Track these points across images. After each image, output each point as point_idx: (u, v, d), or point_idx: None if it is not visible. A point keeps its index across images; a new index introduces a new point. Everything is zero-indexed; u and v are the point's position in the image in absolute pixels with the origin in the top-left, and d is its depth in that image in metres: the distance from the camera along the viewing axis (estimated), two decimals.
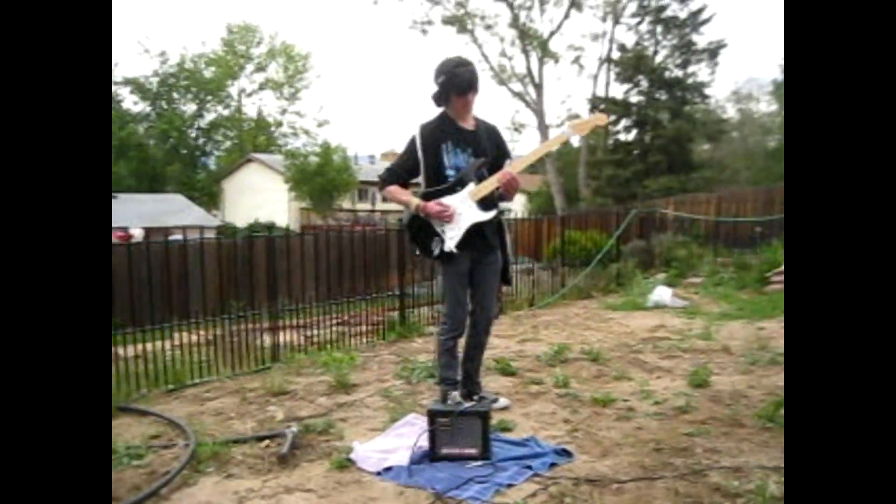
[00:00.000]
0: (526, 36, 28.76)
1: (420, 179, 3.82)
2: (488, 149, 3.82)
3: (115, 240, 7.20)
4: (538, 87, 29.14)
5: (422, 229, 3.77)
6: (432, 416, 3.21)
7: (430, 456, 3.19)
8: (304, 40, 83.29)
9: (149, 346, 5.04)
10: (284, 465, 3.26)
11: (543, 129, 28.68)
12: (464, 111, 3.78)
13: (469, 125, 3.83)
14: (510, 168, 3.75)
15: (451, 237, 3.72)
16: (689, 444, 3.32)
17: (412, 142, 3.80)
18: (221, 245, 7.16)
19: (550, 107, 50.27)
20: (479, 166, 3.76)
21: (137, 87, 40.29)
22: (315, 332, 6.27)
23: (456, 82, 3.68)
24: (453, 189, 3.73)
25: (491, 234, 3.85)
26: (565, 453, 3.23)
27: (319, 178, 32.17)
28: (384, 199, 3.84)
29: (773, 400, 3.81)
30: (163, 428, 3.91)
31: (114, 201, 30.77)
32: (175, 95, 41.62)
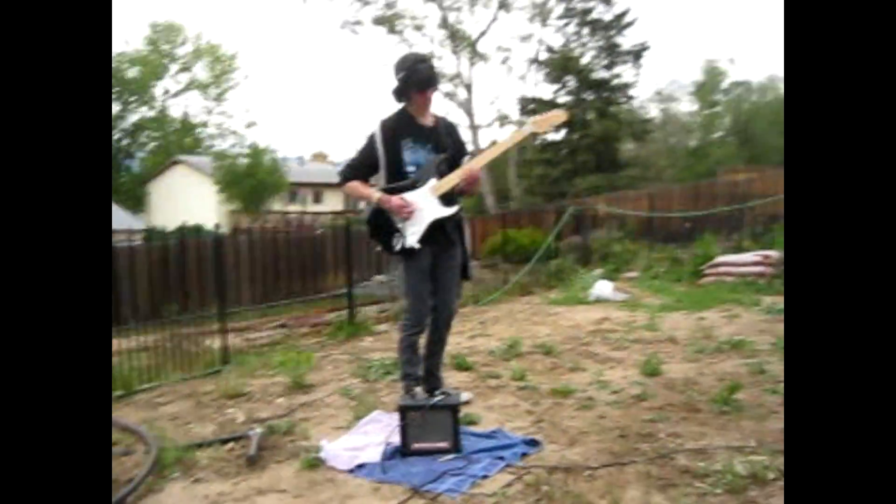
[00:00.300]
0: (455, 37, 28.94)
1: (380, 176, 3.81)
2: (448, 145, 3.84)
3: None
4: (468, 88, 29.36)
5: (383, 225, 3.76)
6: (403, 410, 3.21)
7: (402, 451, 3.19)
8: (231, 40, 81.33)
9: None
10: (253, 466, 3.19)
11: (474, 129, 28.93)
12: (423, 107, 3.80)
13: (428, 121, 3.84)
14: (471, 164, 3.79)
15: (413, 232, 3.73)
16: (652, 429, 3.43)
17: (371, 138, 3.78)
18: (152, 249, 6.97)
19: (480, 107, 50.71)
20: (440, 162, 3.77)
21: None
22: (258, 334, 6.18)
23: (416, 78, 3.70)
24: (414, 185, 3.74)
25: (451, 230, 3.87)
26: (534, 443, 3.28)
27: (249, 180, 31.50)
28: (338, 198, 3.78)
29: (725, 385, 3.97)
30: (118, 435, 3.77)
31: None
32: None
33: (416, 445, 3.20)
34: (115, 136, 41.29)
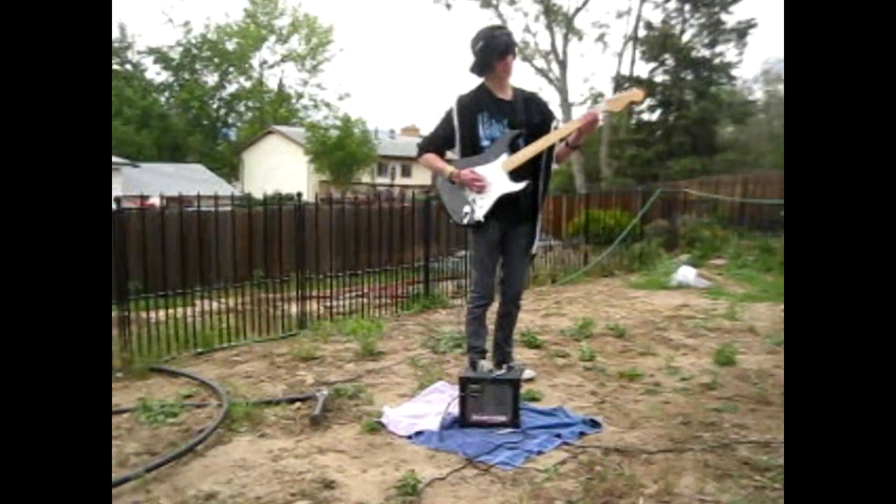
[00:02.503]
0: (551, 11, 28.44)
1: (455, 149, 3.83)
2: (529, 118, 3.81)
3: (133, 206, 7.27)
4: (562, 65, 28.87)
5: (454, 198, 3.78)
6: (464, 382, 3.25)
7: (461, 422, 3.23)
8: (327, 13, 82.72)
9: (171, 311, 5.11)
10: (316, 426, 3.31)
11: (567, 106, 28.47)
12: (504, 75, 3.77)
13: (506, 95, 3.82)
14: (554, 133, 3.72)
15: (481, 206, 3.73)
16: (716, 419, 3.34)
17: (449, 112, 3.81)
18: (245, 215, 7.20)
19: (574, 84, 49.70)
20: (514, 137, 3.75)
21: (161, 56, 40.41)
22: (337, 302, 6.33)
23: (495, 45, 3.68)
24: (486, 159, 3.74)
25: (525, 206, 3.85)
26: (594, 423, 3.26)
27: (339, 152, 32.18)
28: (404, 174, 3.82)
29: None
30: (195, 388, 3.98)
31: (135, 170, 30.95)
32: (198, 66, 41.70)
33: (475, 417, 3.23)
34: (214, 105, 42.89)
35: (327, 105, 45.42)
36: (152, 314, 5.04)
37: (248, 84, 44.09)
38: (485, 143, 3.77)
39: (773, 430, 3.18)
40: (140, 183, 29.48)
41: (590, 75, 52.78)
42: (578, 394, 3.80)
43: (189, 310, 5.19)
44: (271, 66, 46.41)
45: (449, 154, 3.90)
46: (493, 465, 2.83)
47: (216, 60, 41.53)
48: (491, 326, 4.03)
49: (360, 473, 2.81)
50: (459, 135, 3.77)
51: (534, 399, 3.67)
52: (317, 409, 3.41)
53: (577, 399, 3.70)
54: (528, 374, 4.03)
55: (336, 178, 33.08)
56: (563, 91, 28.78)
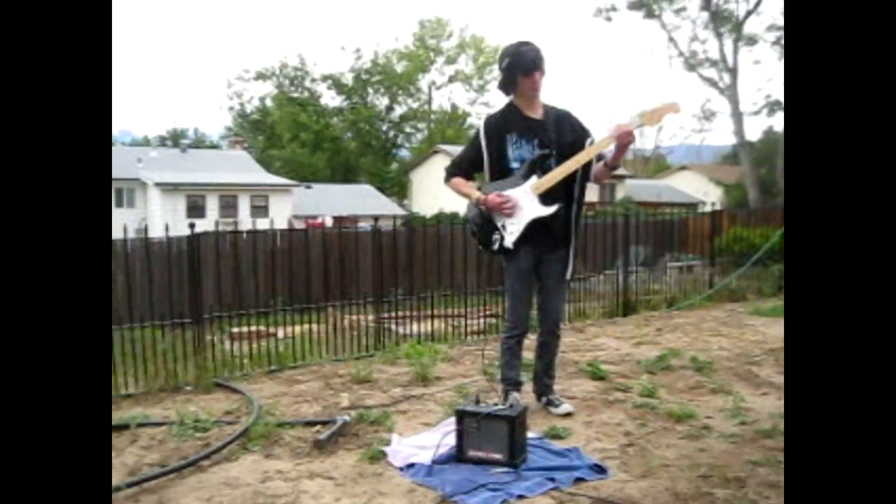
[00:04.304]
0: (719, 17, 26.87)
1: (485, 172, 3.71)
2: (560, 137, 3.62)
3: (309, 229, 8.01)
4: (732, 73, 27.12)
5: (483, 223, 3.66)
6: (460, 415, 3.11)
7: (457, 456, 3.10)
8: (494, 32, 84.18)
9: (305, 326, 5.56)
10: (321, 450, 3.33)
11: (738, 116, 26.73)
12: (532, 93, 3.61)
13: (536, 114, 3.65)
14: (593, 147, 3.51)
15: (511, 232, 3.58)
16: (748, 474, 2.93)
17: (476, 133, 3.71)
18: (382, 234, 7.50)
19: (746, 93, 46.43)
20: (543, 158, 3.57)
21: (335, 82, 43.18)
22: (466, 322, 6.40)
23: (520, 61, 3.53)
24: (516, 182, 3.58)
25: (559, 230, 3.65)
26: (599, 469, 2.99)
27: None
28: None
29: None
30: (242, 404, 4.16)
31: (306, 191, 33.18)
32: (369, 90, 44.02)
33: (472, 453, 3.09)
34: (384, 127, 44.95)
35: None
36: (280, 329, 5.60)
37: (415, 105, 45.78)
38: (514, 164, 3.62)
39: None
40: (312, 203, 31.64)
41: (766, 82, 48.60)
42: (611, 433, 3.51)
43: (317, 325, 5.65)
44: (439, 87, 47.92)
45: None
46: None
47: (386, 84, 43.59)
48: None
49: (333, 502, 2.78)
50: (487, 157, 3.65)
51: (556, 437, 3.44)
52: (325, 433, 3.43)
53: (604, 440, 3.42)
54: (564, 408, 3.79)
55: None
56: (734, 100, 27.03)
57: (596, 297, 7.76)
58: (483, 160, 3.67)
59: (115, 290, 4.86)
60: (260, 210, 29.38)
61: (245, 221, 25.09)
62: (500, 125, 3.65)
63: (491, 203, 3.56)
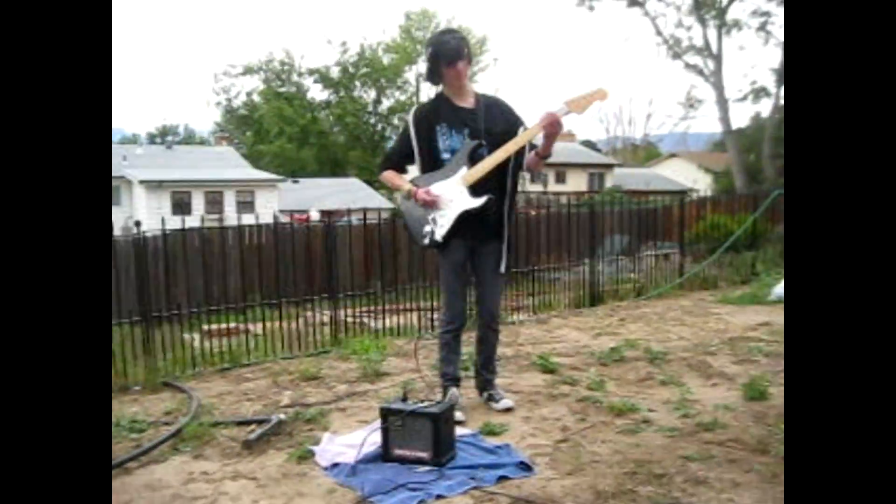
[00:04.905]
0: (703, 4, 26.75)
1: (416, 164, 3.64)
2: (491, 126, 3.54)
3: (295, 223, 7.98)
4: (717, 59, 27.02)
5: (414, 217, 3.59)
6: (384, 414, 3.05)
7: (382, 455, 3.04)
8: (480, 23, 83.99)
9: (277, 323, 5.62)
10: (250, 451, 3.26)
11: (723, 103, 26.66)
12: (458, 83, 3.53)
13: (467, 103, 3.58)
14: (532, 127, 3.42)
15: (442, 225, 3.51)
16: (676, 469, 2.88)
17: (405, 125, 3.63)
18: (365, 228, 7.45)
19: (731, 80, 46.36)
20: (474, 148, 3.50)
21: (321, 76, 42.85)
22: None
23: (444, 51, 3.45)
24: (446, 174, 3.51)
25: (492, 222, 3.58)
26: (525, 467, 2.93)
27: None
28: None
29: None
30: (186, 405, 4.08)
31: (294, 186, 33.03)
32: (356, 83, 43.70)
33: (398, 452, 3.02)
34: (371, 120, 44.70)
35: None
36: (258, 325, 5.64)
37: (403, 98, 45.46)
38: (445, 155, 3.55)
39: (739, 490, 2.68)
40: (299, 198, 31.49)
41: (750, 68, 48.41)
42: (547, 429, 3.45)
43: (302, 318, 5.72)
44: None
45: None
46: None
47: (373, 77, 43.26)
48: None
49: None
50: (417, 149, 3.58)
51: (492, 433, 3.38)
52: (254, 433, 3.36)
53: (540, 435, 3.36)
54: (504, 403, 3.74)
55: None
56: (718, 87, 26.95)
57: (565, 288, 7.70)
58: (414, 152, 3.59)
59: None
60: (246, 206, 29.22)
61: (231, 217, 24.97)
62: (429, 116, 3.57)
63: (420, 197, 3.49)
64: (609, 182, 42.65)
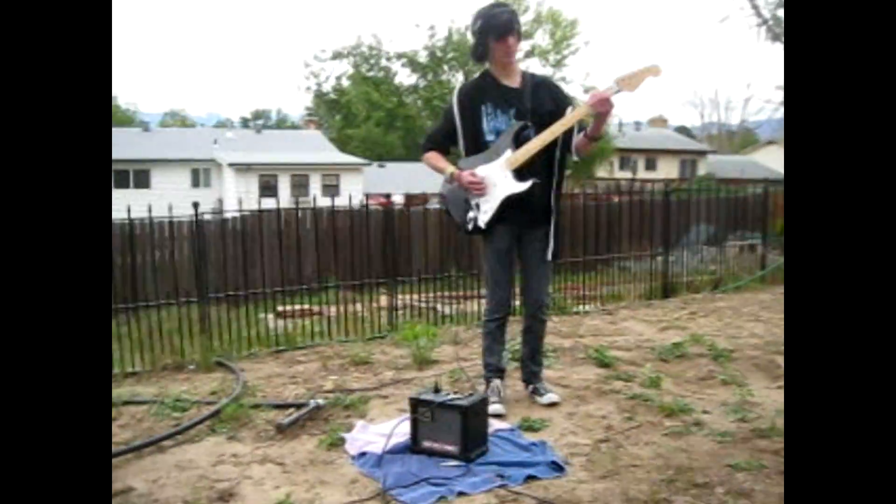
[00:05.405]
0: None
1: (459, 145, 3.51)
2: (538, 106, 3.37)
3: (377, 206, 8.08)
4: None
5: (456, 201, 3.47)
6: (414, 404, 2.96)
7: (411, 447, 2.96)
8: (571, 5, 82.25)
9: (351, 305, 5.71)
10: (283, 435, 3.25)
11: None
12: (506, 60, 3.37)
13: (513, 82, 3.42)
14: (569, 117, 3.25)
15: (486, 211, 3.38)
16: (720, 479, 2.66)
17: (449, 105, 3.50)
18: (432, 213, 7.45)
19: None
20: (520, 130, 3.34)
21: (409, 60, 42.98)
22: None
23: (494, 24, 3.29)
24: (490, 157, 3.37)
25: (539, 207, 3.41)
26: (556, 467, 2.78)
27: None
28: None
29: None
30: (233, 385, 4.13)
31: (380, 169, 33.39)
32: (445, 67, 43.59)
33: (427, 444, 2.94)
34: None
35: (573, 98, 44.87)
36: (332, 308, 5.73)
37: None
38: (489, 137, 3.41)
39: None
40: (384, 181, 31.82)
41: None
42: (590, 427, 3.28)
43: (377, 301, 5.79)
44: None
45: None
46: (403, 500, 2.55)
47: (461, 61, 42.99)
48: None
49: (272, 490, 2.70)
50: (461, 130, 3.45)
51: (530, 428, 3.24)
52: (288, 417, 3.35)
53: (581, 433, 3.20)
54: (549, 398, 3.58)
55: (574, 173, 32.59)
56: None
57: (636, 279, 7.40)
58: (457, 133, 3.46)
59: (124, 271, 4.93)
60: (331, 189, 29.79)
61: (317, 200, 25.50)
62: (474, 95, 3.43)
63: (463, 180, 3.37)
64: (702, 169, 41.10)
